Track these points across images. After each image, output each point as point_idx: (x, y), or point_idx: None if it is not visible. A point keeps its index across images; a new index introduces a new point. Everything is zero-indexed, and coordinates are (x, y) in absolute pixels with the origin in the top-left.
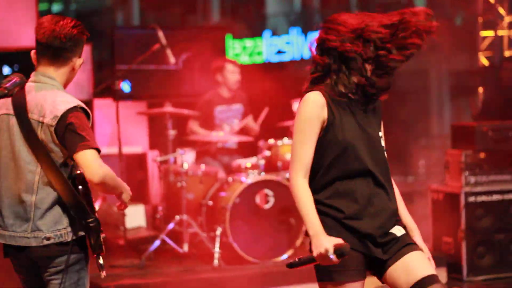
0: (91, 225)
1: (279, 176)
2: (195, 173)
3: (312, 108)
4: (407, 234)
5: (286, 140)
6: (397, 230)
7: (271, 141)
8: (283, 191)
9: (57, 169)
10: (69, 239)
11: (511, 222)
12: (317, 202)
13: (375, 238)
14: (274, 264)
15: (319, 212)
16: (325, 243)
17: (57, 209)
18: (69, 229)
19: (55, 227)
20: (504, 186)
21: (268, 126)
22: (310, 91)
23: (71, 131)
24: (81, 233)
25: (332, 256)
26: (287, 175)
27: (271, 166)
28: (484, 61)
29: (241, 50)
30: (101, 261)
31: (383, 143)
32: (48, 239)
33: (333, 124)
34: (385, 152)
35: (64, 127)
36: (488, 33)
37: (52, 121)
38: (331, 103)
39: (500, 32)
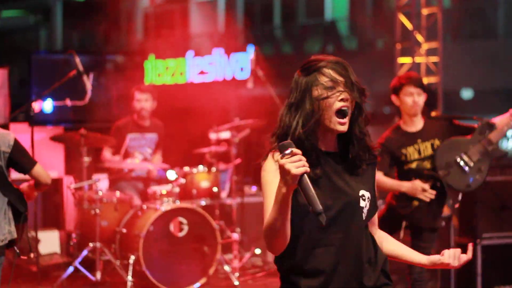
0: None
1: (193, 204)
2: (109, 200)
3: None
4: None
5: (201, 167)
6: None
7: (186, 168)
8: (198, 219)
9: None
10: None
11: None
12: (279, 268)
13: None
14: None
15: (282, 279)
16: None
17: None
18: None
19: None
20: None
21: (184, 153)
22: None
23: (22, 153)
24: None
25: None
26: (202, 203)
27: (186, 193)
28: None
29: (164, 70)
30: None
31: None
32: None
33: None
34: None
35: (17, 152)
36: (406, 60)
37: (7, 149)
38: None
39: (418, 59)
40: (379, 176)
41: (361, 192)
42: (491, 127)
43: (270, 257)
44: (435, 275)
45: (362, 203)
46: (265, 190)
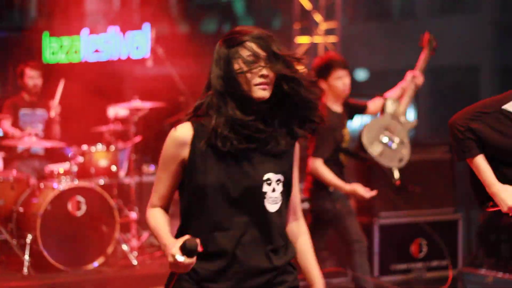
0: None
1: (92, 183)
2: (6, 179)
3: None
4: None
5: (100, 146)
6: None
7: (85, 147)
8: (96, 198)
9: None
10: None
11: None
12: None
13: None
14: (85, 272)
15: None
16: (170, 249)
17: None
18: None
19: None
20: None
21: (82, 131)
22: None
23: None
24: None
25: (182, 258)
26: (100, 182)
27: (84, 172)
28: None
29: (58, 48)
30: None
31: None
32: None
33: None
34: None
35: None
36: (304, 40)
37: None
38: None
39: (316, 39)
40: (320, 166)
41: (268, 175)
42: (396, 101)
43: None
44: (335, 255)
45: (265, 188)
46: (162, 161)
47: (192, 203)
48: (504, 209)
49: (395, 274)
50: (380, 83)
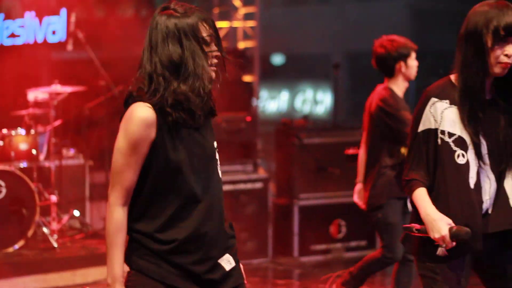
0: None
1: (12, 167)
2: None
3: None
4: (236, 268)
5: (20, 130)
6: (226, 262)
7: (5, 130)
8: (16, 182)
9: None
10: None
11: (241, 211)
12: (137, 232)
13: (201, 275)
14: (5, 255)
15: (138, 242)
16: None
17: None
18: None
19: None
20: (235, 176)
21: (2, 115)
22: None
23: None
24: None
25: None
26: (20, 165)
27: (4, 156)
28: None
29: None
30: None
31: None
32: None
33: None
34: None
35: None
36: (223, 24)
37: None
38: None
39: (235, 24)
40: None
41: (215, 144)
42: None
43: (89, 219)
44: (255, 237)
45: (217, 155)
46: (131, 146)
47: (159, 182)
48: (436, 236)
49: (314, 255)
50: (297, 67)
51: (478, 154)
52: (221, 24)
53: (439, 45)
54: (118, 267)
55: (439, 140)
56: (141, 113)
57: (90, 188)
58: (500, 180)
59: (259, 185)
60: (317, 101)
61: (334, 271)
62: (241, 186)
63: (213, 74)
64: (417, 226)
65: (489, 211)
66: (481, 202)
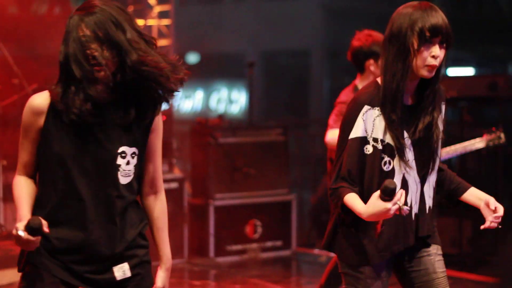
0: None
1: None
2: None
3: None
4: (132, 280)
5: None
6: (120, 271)
7: None
8: None
9: None
10: None
11: None
12: None
13: (83, 274)
14: None
15: None
16: (16, 223)
17: None
18: None
19: None
20: None
21: None
22: None
23: None
24: None
25: (22, 234)
26: None
27: None
28: None
29: None
30: None
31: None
32: None
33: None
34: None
35: None
36: (139, 23)
37: None
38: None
39: (150, 22)
40: None
41: (123, 148)
42: None
43: (2, 220)
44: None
45: (119, 161)
46: (22, 128)
47: (46, 171)
48: (392, 208)
49: (230, 255)
50: (212, 66)
51: (403, 159)
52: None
53: None
54: (22, 211)
55: (370, 148)
56: (33, 100)
57: (3, 188)
58: (422, 184)
59: (174, 185)
60: (232, 100)
61: (250, 271)
62: None
63: (98, 75)
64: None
65: (418, 216)
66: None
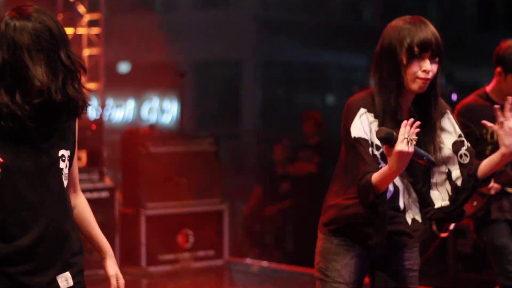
0: None
1: None
2: None
3: None
4: (75, 286)
5: None
6: (64, 280)
7: None
8: None
9: None
10: None
11: None
12: None
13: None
14: None
15: None
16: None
17: None
18: None
19: None
20: (81, 185)
21: None
22: None
23: None
24: None
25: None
26: None
27: None
28: None
29: None
30: None
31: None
32: None
33: None
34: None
35: None
36: (68, 31)
37: None
38: None
39: (80, 30)
40: None
41: (62, 152)
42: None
43: None
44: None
45: (61, 164)
46: None
47: None
48: (404, 141)
49: (162, 265)
50: (142, 76)
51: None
52: (66, 31)
53: (286, 55)
54: None
55: (370, 150)
56: None
57: None
58: (419, 195)
59: (105, 194)
60: (163, 110)
61: (182, 280)
62: (87, 195)
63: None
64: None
65: (411, 222)
66: (397, 208)
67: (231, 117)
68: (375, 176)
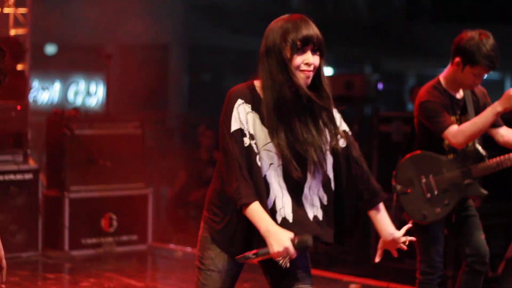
0: None
1: None
2: None
3: None
4: None
5: None
6: None
7: None
8: None
9: None
10: None
11: (10, 202)
12: None
13: None
14: None
15: None
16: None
17: None
18: None
19: None
20: (5, 166)
21: None
22: None
23: None
24: None
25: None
26: None
27: None
28: None
29: None
30: None
31: None
32: None
33: None
34: None
35: None
36: None
37: None
38: None
39: (6, 10)
40: None
41: None
42: (480, 158)
43: None
44: (24, 229)
45: None
46: None
47: None
48: (280, 250)
49: (86, 249)
50: (70, 58)
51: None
52: None
53: (212, 40)
54: None
55: (247, 141)
56: None
57: None
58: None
59: (29, 176)
60: (90, 93)
61: (105, 265)
62: (11, 177)
63: None
64: (252, 252)
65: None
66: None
67: (157, 101)
68: (250, 209)
